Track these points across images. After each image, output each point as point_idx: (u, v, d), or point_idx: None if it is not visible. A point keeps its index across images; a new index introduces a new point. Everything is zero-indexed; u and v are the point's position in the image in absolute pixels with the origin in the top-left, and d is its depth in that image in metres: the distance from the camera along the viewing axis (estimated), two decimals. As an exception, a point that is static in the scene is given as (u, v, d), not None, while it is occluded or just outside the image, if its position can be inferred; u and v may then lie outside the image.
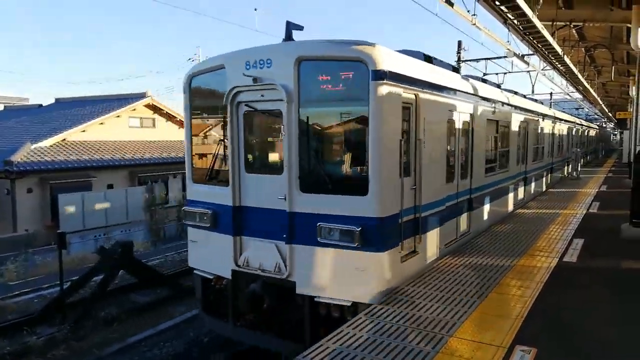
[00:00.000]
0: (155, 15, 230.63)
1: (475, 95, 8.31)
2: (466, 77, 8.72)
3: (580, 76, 17.62)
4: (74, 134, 20.71)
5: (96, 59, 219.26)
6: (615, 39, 14.95)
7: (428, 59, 7.04)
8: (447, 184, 7.24)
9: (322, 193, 5.61)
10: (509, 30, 11.36)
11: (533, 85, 24.81)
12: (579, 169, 20.69)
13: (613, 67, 17.54)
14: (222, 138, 6.47)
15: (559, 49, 12.87)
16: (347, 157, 5.86)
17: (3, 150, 18.58)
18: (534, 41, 12.10)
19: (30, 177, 17.64)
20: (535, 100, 16.29)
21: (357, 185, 5.41)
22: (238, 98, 6.06)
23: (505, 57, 20.10)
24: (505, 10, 9.58)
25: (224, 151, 6.36)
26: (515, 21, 10.32)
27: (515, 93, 12.74)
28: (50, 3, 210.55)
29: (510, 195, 11.20)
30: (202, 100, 6.86)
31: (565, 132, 20.02)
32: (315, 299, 5.62)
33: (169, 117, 25.89)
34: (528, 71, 23.71)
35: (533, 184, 13.62)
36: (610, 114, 43.24)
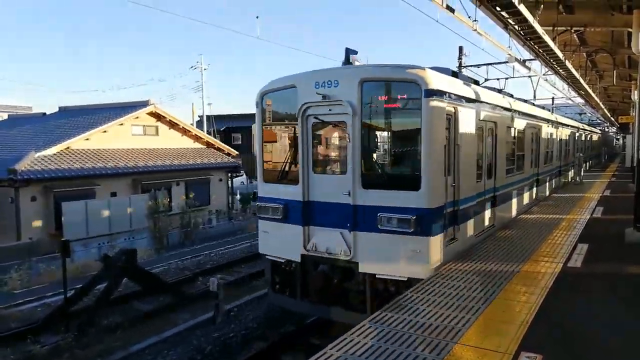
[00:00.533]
0: (153, 24, 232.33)
1: (497, 105, 9.49)
2: (488, 89, 10.19)
3: (582, 81, 17.62)
4: (77, 142, 20.77)
5: (98, 69, 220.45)
6: (617, 44, 14.96)
7: (454, 74, 8.17)
8: (477, 182, 8.41)
9: (381, 189, 6.82)
10: (509, 36, 11.39)
11: (535, 91, 24.79)
12: (582, 174, 20.63)
13: (615, 72, 17.54)
14: (292, 145, 7.72)
15: (560, 54, 12.89)
16: (402, 160, 7.25)
17: (7, 159, 18.66)
18: (535, 46, 12.13)
19: (34, 185, 17.69)
20: (543, 107, 17.50)
21: (411, 182, 6.62)
22: (308, 112, 7.26)
23: (506, 62, 20.11)
24: (506, 15, 9.61)
25: (294, 155, 7.58)
26: (516, 26, 10.35)
27: (525, 101, 13.78)
28: (48, 14, 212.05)
29: (526, 195, 12.36)
30: (273, 113, 8.05)
31: (570, 137, 20.74)
32: (377, 276, 6.78)
33: (172, 125, 25.96)
34: (529, 76, 23.73)
35: (544, 185, 14.74)
36: (613, 119, 43.17)
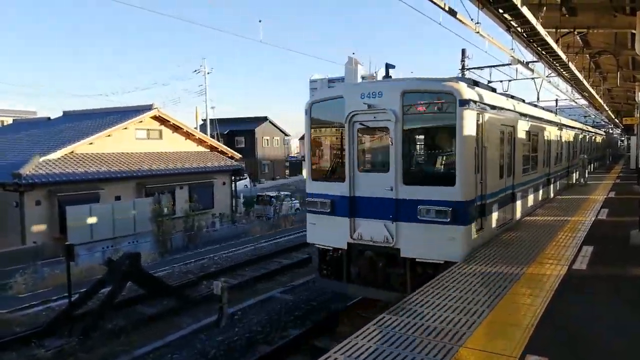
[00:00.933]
0: (154, 28, 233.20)
1: (515, 111, 10.45)
2: (505, 95, 11.17)
3: (585, 82, 17.56)
4: (81, 146, 20.86)
5: (102, 72, 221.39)
6: (620, 45, 14.90)
7: (475, 82, 8.99)
8: (500, 180, 9.32)
9: (421, 185, 7.82)
10: (512, 38, 11.37)
11: (538, 92, 24.71)
12: (587, 175, 20.53)
13: (618, 73, 17.47)
14: (338, 147, 8.68)
15: (563, 56, 12.86)
16: (439, 159, 8.20)
17: (12, 163, 18.75)
18: (538, 48, 12.10)
19: (38, 189, 17.77)
20: (551, 111, 18.59)
21: (447, 179, 7.63)
22: (354, 119, 8.25)
23: (509, 64, 20.07)
24: (509, 17, 9.60)
25: (341, 156, 8.57)
26: (519, 28, 10.33)
27: (535, 105, 14.85)
28: (50, 21, 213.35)
29: (540, 192, 13.35)
30: (320, 119, 9.09)
31: (577, 139, 21.64)
32: (417, 260, 7.72)
33: (176, 129, 26.04)
34: (533, 78, 23.67)
35: (555, 184, 15.72)
36: (617, 120, 43.01)
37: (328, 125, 9.13)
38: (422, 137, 8.44)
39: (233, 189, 27.86)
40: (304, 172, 9.40)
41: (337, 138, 8.81)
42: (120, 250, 16.30)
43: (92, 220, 17.74)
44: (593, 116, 44.28)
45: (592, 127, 36.94)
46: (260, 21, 25.70)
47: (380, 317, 5.20)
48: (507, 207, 9.93)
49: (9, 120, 41.44)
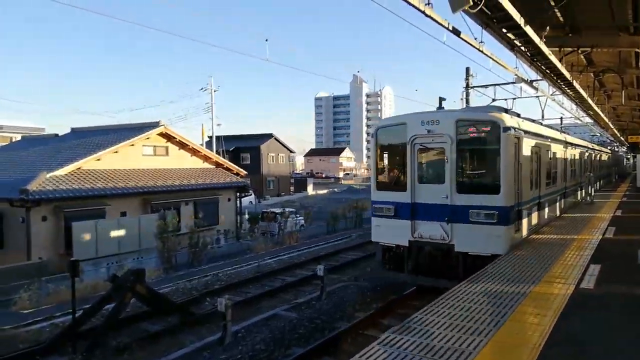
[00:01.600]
0: (161, 47, 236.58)
1: (540, 134, 12.25)
2: (532, 121, 13.22)
3: (590, 101, 17.60)
4: (88, 163, 21.02)
5: (109, 91, 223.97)
6: (624, 64, 14.97)
7: (505, 110, 10.94)
8: (530, 190, 11.06)
9: (471, 193, 9.58)
10: (516, 57, 11.46)
11: (543, 111, 24.77)
12: (593, 193, 20.42)
13: (623, 92, 17.51)
14: (400, 163, 10.65)
15: (567, 74, 12.93)
16: (486, 173, 10.05)
17: (19, 179, 18.90)
18: (542, 67, 12.18)
19: (45, 205, 17.86)
20: (568, 133, 21.35)
21: (493, 188, 9.39)
22: (415, 141, 10.16)
23: (514, 83, 20.17)
24: (513, 37, 9.69)
25: (403, 170, 10.48)
26: (523, 47, 10.42)
27: (548, 126, 16.51)
28: (60, 40, 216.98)
29: (559, 203, 15.09)
30: (384, 141, 11.17)
31: (587, 157, 23.40)
32: (469, 253, 9.43)
33: (182, 145, 26.23)
34: (537, 96, 23.72)
35: (570, 197, 17.43)
36: (622, 138, 42.90)
37: (391, 145, 11.13)
38: (472, 155, 10.24)
39: (238, 205, 27.90)
40: (371, 184, 11.47)
41: (399, 156, 10.74)
42: (125, 266, 16.28)
43: (97, 236, 17.77)
44: (598, 134, 44.20)
45: (597, 144, 37.01)
46: (266, 40, 26.07)
47: (385, 336, 5.16)
48: (535, 213, 11.69)
49: (17, 137, 41.88)
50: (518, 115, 11.76)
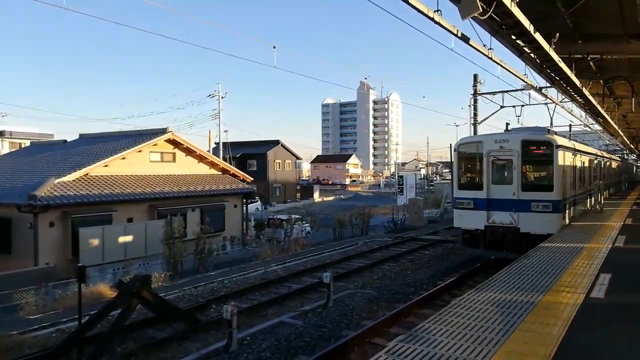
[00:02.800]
0: (173, 53, 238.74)
1: (573, 148, 15.96)
2: (569, 139, 18.77)
3: (599, 108, 17.46)
4: (96, 169, 21.14)
5: (119, 98, 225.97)
6: (635, 71, 14.84)
7: (549, 131, 15.25)
8: (570, 190, 14.64)
9: (532, 191, 13.30)
10: (525, 64, 11.39)
11: (551, 118, 24.64)
12: (602, 201, 20.19)
13: (633, 99, 17.35)
14: (477, 169, 14.38)
15: (577, 82, 12.83)
16: (543, 177, 13.79)
17: (28, 185, 19.04)
18: (552, 74, 12.10)
19: (52, 210, 17.96)
20: (592, 146, 26.65)
21: (548, 187, 13.13)
22: (490, 154, 13.86)
23: (522, 90, 20.07)
24: (522, 44, 9.63)
25: (480, 175, 14.18)
26: (532, 54, 10.35)
27: (572, 139, 21.31)
28: (64, 48, 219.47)
29: (586, 201, 18.40)
30: (464, 154, 14.90)
31: (602, 164, 26.45)
32: (531, 233, 12.91)
33: (189, 152, 26.34)
34: (546, 103, 23.56)
35: (593, 197, 20.03)
36: (632, 146, 42.56)
37: (470, 157, 14.82)
38: (532, 164, 14.01)
39: (244, 211, 27.91)
40: (453, 184, 15.88)
41: (476, 164, 14.49)
42: (131, 272, 16.31)
43: (104, 242, 17.82)
44: (608, 142, 43.97)
45: (606, 152, 37.04)
46: (274, 47, 26.08)
47: (392, 345, 5.09)
48: (571, 207, 15.15)
49: (26, 143, 42.27)
50: (555, 133, 15.47)
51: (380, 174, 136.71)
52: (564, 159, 13.76)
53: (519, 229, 13.21)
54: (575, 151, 16.05)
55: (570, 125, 34.53)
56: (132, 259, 18.38)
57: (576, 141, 22.12)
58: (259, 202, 41.41)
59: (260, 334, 9.77)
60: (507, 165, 13.75)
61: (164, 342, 9.78)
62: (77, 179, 20.01)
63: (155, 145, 24.27)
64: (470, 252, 15.23)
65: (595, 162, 23.19)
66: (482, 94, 33.79)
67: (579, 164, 16.69)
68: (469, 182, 14.87)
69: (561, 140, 14.05)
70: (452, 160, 15.20)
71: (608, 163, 30.21)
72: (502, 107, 33.45)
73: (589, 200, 18.93)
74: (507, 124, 16.77)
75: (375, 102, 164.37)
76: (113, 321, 9.81)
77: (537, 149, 13.57)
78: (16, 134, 49.89)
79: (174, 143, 25.34)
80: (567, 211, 14.27)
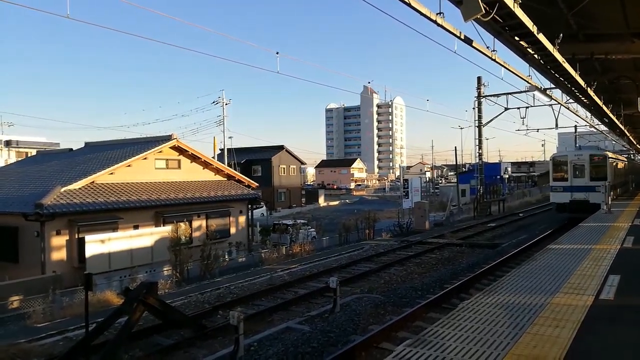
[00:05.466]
0: (176, 62, 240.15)
1: (615, 157, 25.13)
2: (611, 151, 29.69)
3: (605, 108, 17.37)
4: (102, 177, 21.23)
5: (124, 106, 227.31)
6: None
7: (598, 148, 27.81)
8: (614, 180, 23.16)
9: (596, 180, 21.72)
10: (529, 65, 11.35)
11: (556, 119, 24.64)
12: (610, 202, 20.06)
13: (639, 99, 17.26)
14: (564, 170, 23.31)
15: (582, 82, 12.77)
16: (600, 173, 22.18)
17: (34, 194, 19.13)
18: (556, 75, 12.05)
19: (59, 219, 18.03)
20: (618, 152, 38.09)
21: (604, 178, 21.44)
22: (572, 162, 22.97)
23: (526, 91, 19.99)
24: (525, 45, 9.60)
25: (566, 173, 23.18)
26: (536, 55, 10.32)
27: (578, 140, 36.38)
28: (70, 55, 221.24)
29: (618, 189, 26.37)
30: (557, 162, 24.05)
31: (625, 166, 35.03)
32: (595, 202, 21.18)
33: (194, 158, 26.41)
34: (550, 104, 23.46)
35: (623, 187, 29.85)
36: (639, 146, 42.27)
37: (560, 163, 23.65)
38: (595, 167, 22.16)
39: (250, 217, 27.92)
40: (550, 178, 24.62)
41: (564, 167, 23.11)
42: (138, 279, 16.32)
43: (110, 249, 17.87)
44: (614, 142, 43.82)
45: (613, 152, 38.98)
46: (277, 53, 26.08)
47: (400, 349, 5.05)
48: (615, 189, 24.01)
49: (33, 152, 42.54)
50: (604, 150, 26.59)
51: (385, 178, 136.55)
52: (611, 164, 23.09)
53: (589, 201, 21.72)
54: (615, 159, 26.18)
55: (575, 127, 34.40)
56: (138, 265, 18.40)
57: (610, 151, 31.88)
58: (264, 208, 41.43)
59: (267, 340, 9.73)
60: (581, 167, 22.70)
61: (171, 349, 9.76)
62: (83, 187, 20.10)
63: (160, 152, 24.36)
64: (561, 215, 23.40)
65: (626, 165, 33.83)
66: (486, 96, 33.67)
67: (618, 166, 26.79)
68: (559, 177, 23.65)
69: (610, 154, 23.62)
70: (550, 165, 24.57)
71: (613, 163, 32.52)
72: (506, 109, 33.35)
73: (624, 186, 30.24)
74: (580, 146, 28.30)
75: (379, 106, 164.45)
76: (120, 329, 9.80)
77: (597, 158, 22.72)
78: (22, 143, 50.27)
79: (179, 150, 25.42)
80: (612, 192, 22.14)
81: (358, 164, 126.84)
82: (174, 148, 25.09)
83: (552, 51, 9.53)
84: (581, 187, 22.45)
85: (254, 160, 59.22)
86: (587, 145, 30.23)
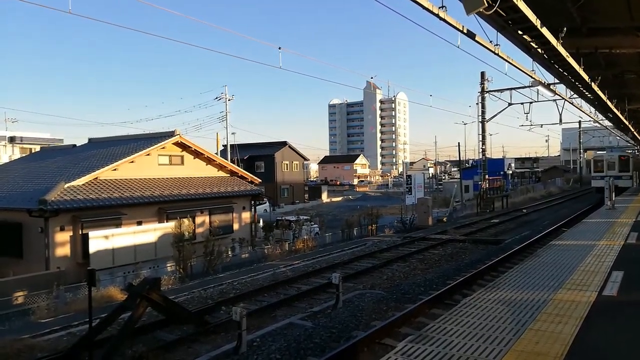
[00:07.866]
0: (180, 57, 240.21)
1: (633, 156, 39.71)
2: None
3: (609, 103, 17.27)
4: (105, 173, 21.27)
5: (127, 102, 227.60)
6: (644, 65, 14.65)
7: (624, 150, 47.80)
8: (634, 173, 37.17)
9: (622, 172, 35.27)
10: (533, 60, 11.28)
11: (560, 114, 24.50)
12: (614, 198, 19.96)
13: (643, 94, 17.15)
14: (600, 166, 36.87)
15: (585, 77, 12.69)
16: (624, 167, 35.98)
17: (38, 190, 19.19)
18: (560, 69, 11.97)
19: (63, 215, 18.10)
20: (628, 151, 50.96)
21: (628, 171, 35.72)
22: (606, 159, 36.87)
23: (530, 86, 19.90)
24: (529, 39, 9.54)
25: (602, 167, 36.33)
26: (540, 50, 10.25)
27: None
28: (75, 52, 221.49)
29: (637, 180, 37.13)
30: (595, 160, 38.19)
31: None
32: (622, 187, 32.32)
33: (197, 154, 26.42)
34: (554, 100, 23.32)
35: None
36: (643, 141, 42.36)
37: (597, 161, 37.13)
38: (623, 164, 35.54)
39: (253, 213, 27.95)
40: (591, 171, 37.69)
41: (600, 164, 36.56)
42: (141, 275, 16.38)
43: (113, 245, 17.93)
44: (618, 138, 44.72)
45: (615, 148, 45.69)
46: (279, 48, 25.99)
47: (402, 345, 5.04)
48: (633, 180, 35.35)
49: (36, 148, 42.68)
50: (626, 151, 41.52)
51: (388, 174, 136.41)
52: (634, 161, 34.24)
53: (618, 185, 26.51)
54: (636, 158, 37.04)
55: (579, 122, 34.74)
56: (142, 262, 18.46)
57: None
58: (267, 204, 41.44)
59: (269, 336, 9.75)
60: (613, 164, 34.46)
61: (174, 344, 9.80)
62: (86, 183, 20.15)
63: (163, 148, 24.39)
64: (598, 191, 30.64)
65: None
66: (490, 91, 33.55)
67: (634, 162, 37.07)
68: (598, 170, 35.26)
69: (631, 154, 34.99)
70: (591, 163, 36.70)
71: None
72: (510, 104, 33.24)
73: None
74: (612, 148, 38.52)
75: (382, 102, 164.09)
76: (123, 324, 9.84)
77: (624, 158, 34.99)
78: (26, 139, 50.47)
79: (182, 146, 25.44)
80: (633, 184, 32.72)
81: (361, 160, 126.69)
82: (177, 144, 25.11)
83: (555, 45, 9.47)
84: (613, 176, 29.15)
85: (257, 156, 59.21)
86: (616, 147, 45.63)
